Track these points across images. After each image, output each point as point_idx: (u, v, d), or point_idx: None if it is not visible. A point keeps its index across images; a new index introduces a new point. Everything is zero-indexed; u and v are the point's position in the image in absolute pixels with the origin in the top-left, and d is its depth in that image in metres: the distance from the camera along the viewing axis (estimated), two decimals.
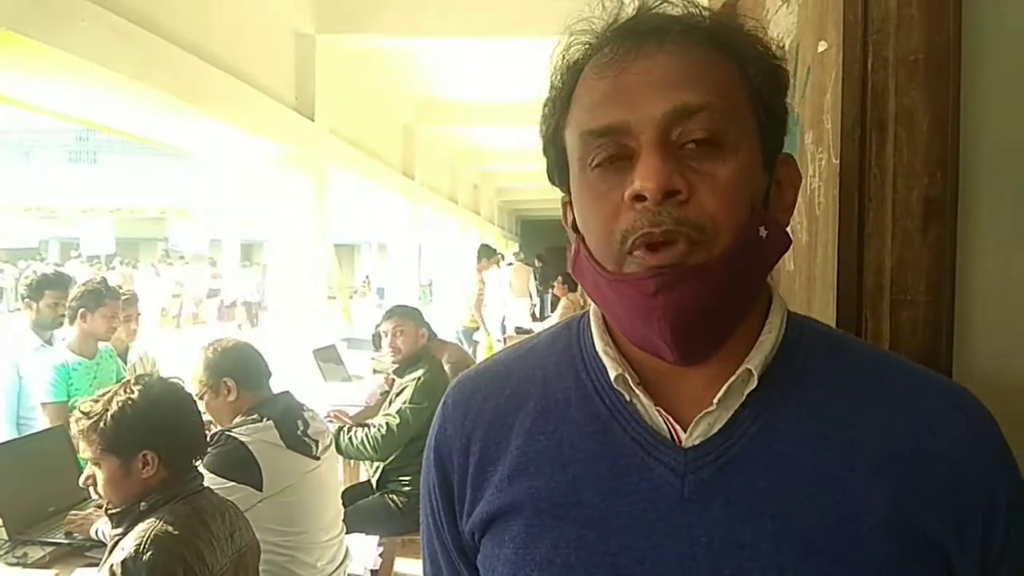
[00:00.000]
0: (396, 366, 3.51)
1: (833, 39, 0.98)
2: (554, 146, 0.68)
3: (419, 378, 3.32)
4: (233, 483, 2.12)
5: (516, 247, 17.84)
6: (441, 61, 6.04)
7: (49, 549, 2.20)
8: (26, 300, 3.52)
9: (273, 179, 4.77)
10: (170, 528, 1.56)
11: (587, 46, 0.65)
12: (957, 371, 0.90)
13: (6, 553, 2.17)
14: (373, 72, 5.96)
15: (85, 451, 1.66)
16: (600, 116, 0.61)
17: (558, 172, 0.69)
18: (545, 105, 0.69)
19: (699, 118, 0.59)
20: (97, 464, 1.65)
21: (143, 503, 1.63)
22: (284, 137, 4.33)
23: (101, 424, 1.62)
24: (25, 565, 2.13)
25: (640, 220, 0.58)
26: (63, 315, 3.43)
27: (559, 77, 0.67)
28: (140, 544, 1.51)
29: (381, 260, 17.64)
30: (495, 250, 9.81)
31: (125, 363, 3.57)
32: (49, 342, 3.46)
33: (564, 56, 0.66)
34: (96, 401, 1.67)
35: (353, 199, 8.18)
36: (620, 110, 0.60)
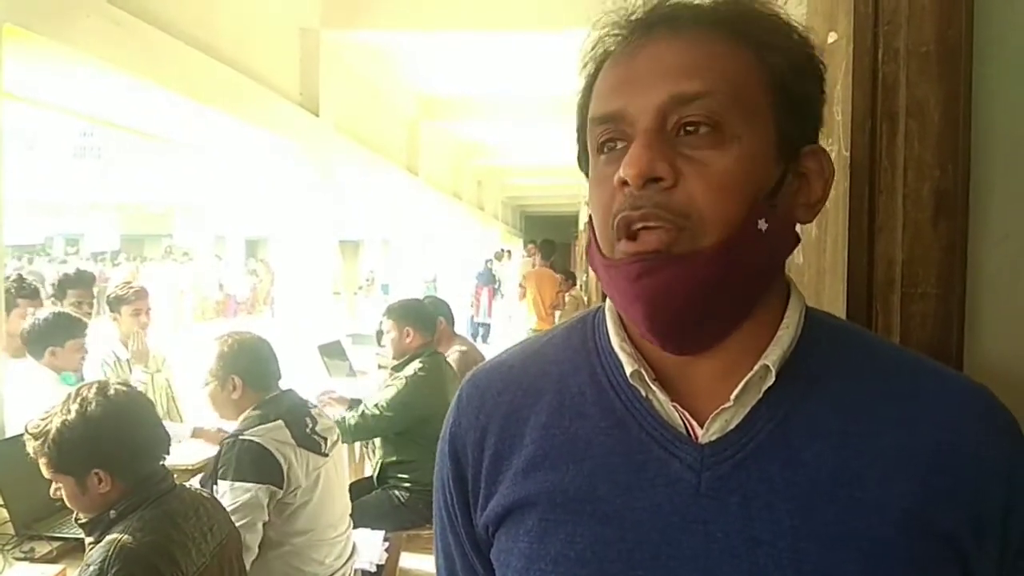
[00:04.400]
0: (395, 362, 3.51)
1: (843, 30, 0.97)
2: (582, 134, 0.69)
3: (406, 379, 3.29)
4: (257, 484, 2.11)
5: (520, 243, 17.83)
6: (445, 56, 6.03)
7: (56, 544, 2.20)
8: (51, 299, 3.58)
9: (278, 175, 4.77)
10: (138, 536, 1.53)
11: (614, 36, 0.66)
12: (968, 364, 0.89)
13: (13, 548, 2.18)
14: (377, 68, 5.96)
15: (43, 469, 1.64)
16: (604, 104, 0.63)
17: (583, 162, 0.70)
18: (578, 95, 0.70)
19: (696, 105, 0.59)
20: (57, 481, 1.64)
21: (112, 511, 1.61)
22: (289, 133, 4.33)
23: (45, 448, 1.60)
24: (32, 560, 2.14)
25: (624, 203, 0.60)
26: (88, 312, 3.56)
27: (589, 67, 0.68)
28: (105, 560, 1.48)
29: (386, 256, 17.64)
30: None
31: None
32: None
33: (593, 47, 0.67)
34: (42, 420, 1.64)
35: (357, 195, 8.15)
36: (621, 98, 0.62)
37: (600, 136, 0.63)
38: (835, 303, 0.99)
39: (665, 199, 0.58)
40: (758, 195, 0.61)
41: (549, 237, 9.59)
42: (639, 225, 0.59)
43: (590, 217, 0.68)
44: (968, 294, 0.90)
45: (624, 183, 0.59)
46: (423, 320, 3.49)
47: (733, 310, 0.63)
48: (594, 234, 0.65)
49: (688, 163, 0.59)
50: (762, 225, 0.60)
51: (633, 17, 0.64)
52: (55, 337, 3.10)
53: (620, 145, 0.62)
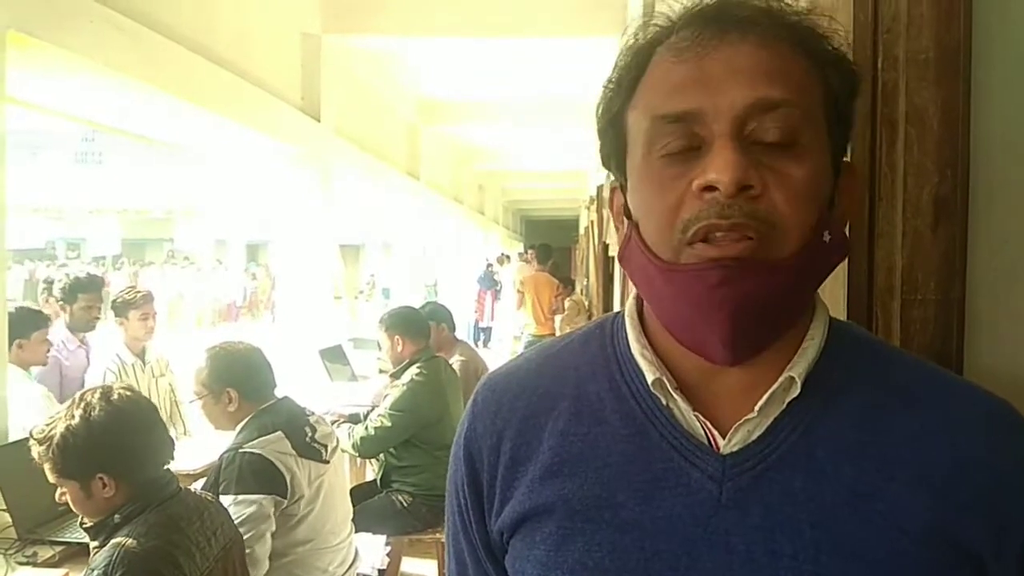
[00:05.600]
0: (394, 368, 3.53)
1: (842, 37, 0.98)
2: (614, 128, 0.66)
3: (405, 384, 3.30)
4: (261, 496, 2.09)
5: (520, 247, 17.85)
6: (446, 61, 6.04)
7: (59, 548, 2.21)
8: (60, 303, 3.58)
9: (279, 179, 4.79)
10: (142, 540, 1.53)
11: (662, 28, 0.63)
12: (967, 370, 0.89)
13: (16, 552, 2.18)
14: (378, 72, 5.98)
15: (48, 474, 1.64)
16: (676, 101, 0.59)
17: (615, 156, 0.66)
18: (607, 86, 0.66)
19: (778, 114, 0.58)
20: (61, 486, 1.65)
21: (117, 515, 1.61)
22: (290, 137, 4.34)
23: (50, 453, 1.61)
24: (35, 564, 2.14)
25: (707, 211, 0.57)
26: (97, 317, 3.60)
27: (629, 58, 0.64)
28: (109, 564, 1.48)
29: (387, 260, 17.66)
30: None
31: (144, 362, 3.61)
32: (84, 342, 3.64)
33: (636, 36, 0.64)
34: (47, 424, 1.64)
35: (358, 199, 8.16)
36: (698, 96, 0.58)
37: (666, 137, 0.60)
38: (835, 309, 0.99)
39: (753, 209, 0.57)
40: (823, 208, 0.60)
41: (551, 241, 9.58)
42: (722, 233, 0.57)
43: (628, 216, 0.65)
44: (967, 299, 0.90)
45: (709, 189, 0.57)
46: (413, 328, 3.48)
47: (789, 319, 0.62)
48: (638, 236, 0.63)
49: (769, 172, 0.57)
50: (826, 237, 0.60)
51: (697, 11, 0.61)
52: (21, 329, 3.08)
53: (687, 148, 0.59)
